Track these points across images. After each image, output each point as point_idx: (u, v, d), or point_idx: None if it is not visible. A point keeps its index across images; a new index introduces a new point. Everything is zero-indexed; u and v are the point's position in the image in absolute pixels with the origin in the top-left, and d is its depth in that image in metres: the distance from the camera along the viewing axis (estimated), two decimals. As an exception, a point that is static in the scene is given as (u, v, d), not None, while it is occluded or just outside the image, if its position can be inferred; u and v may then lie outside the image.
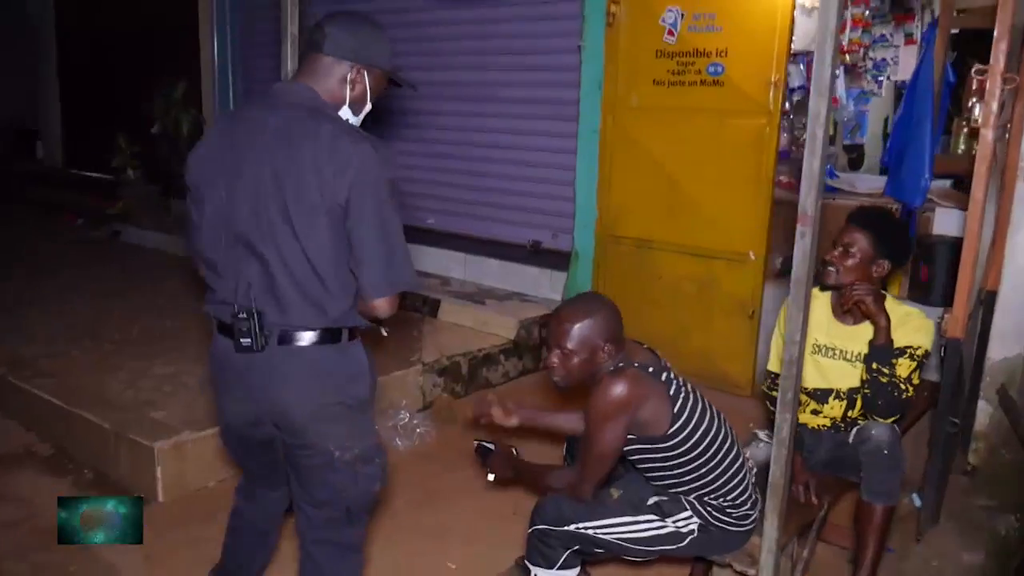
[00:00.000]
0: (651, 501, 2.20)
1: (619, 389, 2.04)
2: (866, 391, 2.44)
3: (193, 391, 3.60)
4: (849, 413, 2.57)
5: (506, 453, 2.45)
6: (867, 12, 4.19)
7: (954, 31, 3.89)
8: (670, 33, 4.27)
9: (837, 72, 4.30)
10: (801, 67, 4.38)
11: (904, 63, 4.17)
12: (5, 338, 4.28)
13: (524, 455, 2.51)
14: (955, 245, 3.53)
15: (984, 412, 3.35)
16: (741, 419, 2.50)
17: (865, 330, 2.48)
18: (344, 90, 1.88)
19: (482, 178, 5.46)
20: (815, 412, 2.61)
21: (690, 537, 2.17)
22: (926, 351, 2.44)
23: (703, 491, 2.16)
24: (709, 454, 2.12)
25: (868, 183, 4.08)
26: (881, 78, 4.28)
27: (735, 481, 2.17)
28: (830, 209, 3.33)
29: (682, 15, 4.21)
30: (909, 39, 4.14)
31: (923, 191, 3.61)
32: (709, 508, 2.16)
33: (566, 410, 2.63)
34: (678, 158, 4.37)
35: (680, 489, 2.18)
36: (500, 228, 5.40)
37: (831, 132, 4.35)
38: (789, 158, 4.28)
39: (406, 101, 5.48)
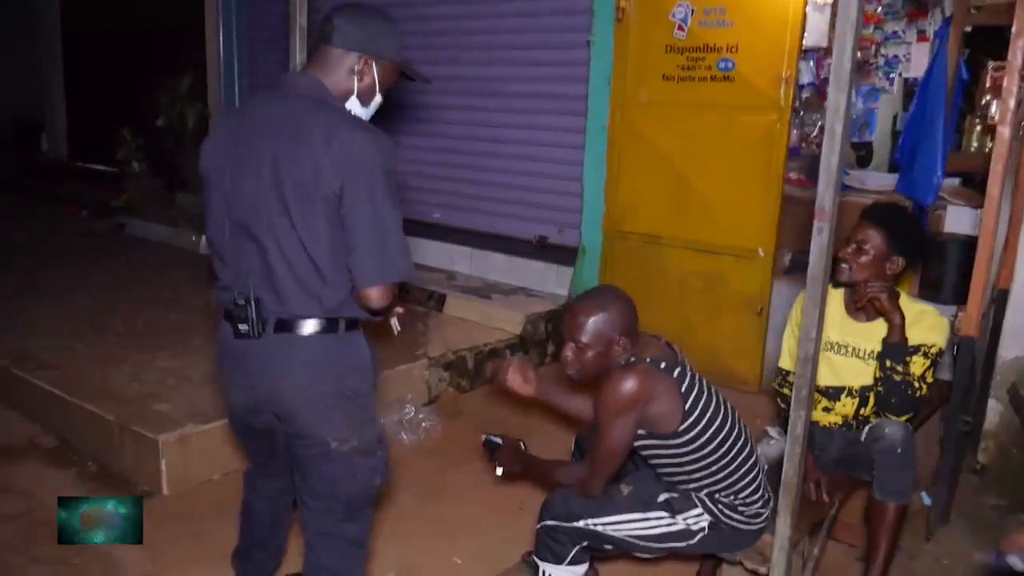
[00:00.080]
0: (662, 498, 2.18)
1: (628, 385, 2.02)
2: (879, 389, 2.41)
3: (197, 384, 3.58)
4: (861, 411, 2.54)
5: (514, 448, 2.42)
6: (879, 8, 4.16)
7: (967, 28, 3.86)
8: (680, 28, 4.24)
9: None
10: (811, 63, 4.36)
11: (916, 60, 4.13)
12: (9, 330, 4.27)
13: (532, 450, 2.49)
14: (967, 243, 3.51)
15: (994, 411, 3.33)
16: (749, 416, 2.48)
17: (878, 327, 2.45)
18: (352, 81, 1.89)
19: (488, 173, 5.44)
20: (827, 410, 2.59)
21: (700, 535, 2.15)
22: (940, 349, 2.41)
23: (715, 488, 2.13)
24: (722, 451, 2.09)
25: (878, 181, 4.05)
26: (893, 75, 4.25)
27: (748, 479, 2.14)
28: (843, 206, 3.26)
29: (692, 10, 4.18)
30: (922, 36, 4.10)
31: (935, 189, 3.58)
32: (720, 505, 2.14)
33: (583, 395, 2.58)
34: (687, 154, 4.34)
35: (691, 486, 2.15)
36: (506, 223, 5.38)
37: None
38: (799, 155, 4.25)
39: (413, 95, 5.46)
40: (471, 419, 3.92)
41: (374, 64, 1.89)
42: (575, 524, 2.16)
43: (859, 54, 4.11)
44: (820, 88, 4.35)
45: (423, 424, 3.70)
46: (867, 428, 2.49)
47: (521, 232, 5.29)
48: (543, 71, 5.04)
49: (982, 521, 2.90)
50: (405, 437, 3.62)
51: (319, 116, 1.76)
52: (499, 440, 2.44)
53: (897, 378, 2.36)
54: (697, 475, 2.12)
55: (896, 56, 4.22)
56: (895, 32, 4.19)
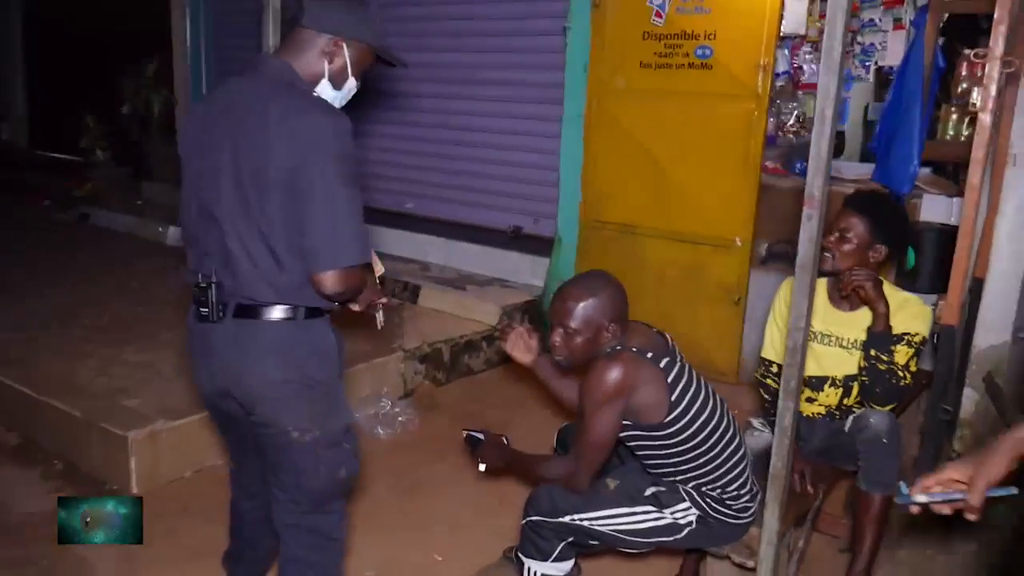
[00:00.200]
0: (648, 492, 2.14)
1: (612, 374, 1.98)
2: (864, 378, 2.40)
3: (167, 379, 3.49)
4: (845, 401, 2.53)
5: (496, 442, 2.37)
6: (856, -4, 4.15)
7: (943, 16, 3.85)
8: (658, 15, 4.19)
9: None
10: (786, 52, 4.34)
11: (892, 48, 4.13)
12: (-31, 324, 4.13)
13: (512, 444, 2.44)
14: (943, 232, 3.51)
15: (970, 399, 3.34)
16: (729, 407, 2.48)
17: (862, 316, 2.44)
18: (322, 64, 1.85)
19: (462, 162, 5.37)
20: (810, 400, 2.57)
21: (688, 529, 2.12)
22: (923, 338, 2.41)
23: (702, 481, 2.10)
24: (709, 444, 2.06)
25: (854, 170, 4.03)
26: (868, 63, 4.24)
27: (735, 472, 2.12)
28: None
29: (670, -4, 4.14)
30: (898, 24, 4.10)
31: (911, 178, 3.57)
32: (708, 499, 2.11)
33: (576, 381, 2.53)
34: (664, 142, 4.31)
35: (678, 478, 2.12)
36: (480, 213, 5.31)
37: (805, 119, 4.33)
38: (775, 143, 4.24)
39: (385, 83, 5.37)
40: (448, 412, 3.88)
41: (345, 46, 1.85)
42: (561, 520, 2.12)
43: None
44: (795, 76, 4.34)
45: (399, 418, 3.64)
46: (851, 418, 2.47)
47: (496, 222, 5.23)
48: (519, 58, 4.97)
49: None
50: (381, 431, 3.56)
51: (280, 99, 1.73)
52: (480, 435, 2.39)
53: (882, 367, 2.35)
54: (684, 468, 2.09)
55: (872, 44, 4.21)
56: (871, 20, 4.18)
